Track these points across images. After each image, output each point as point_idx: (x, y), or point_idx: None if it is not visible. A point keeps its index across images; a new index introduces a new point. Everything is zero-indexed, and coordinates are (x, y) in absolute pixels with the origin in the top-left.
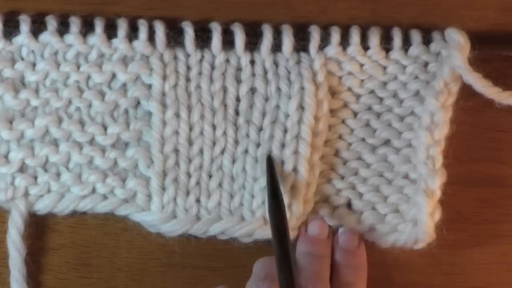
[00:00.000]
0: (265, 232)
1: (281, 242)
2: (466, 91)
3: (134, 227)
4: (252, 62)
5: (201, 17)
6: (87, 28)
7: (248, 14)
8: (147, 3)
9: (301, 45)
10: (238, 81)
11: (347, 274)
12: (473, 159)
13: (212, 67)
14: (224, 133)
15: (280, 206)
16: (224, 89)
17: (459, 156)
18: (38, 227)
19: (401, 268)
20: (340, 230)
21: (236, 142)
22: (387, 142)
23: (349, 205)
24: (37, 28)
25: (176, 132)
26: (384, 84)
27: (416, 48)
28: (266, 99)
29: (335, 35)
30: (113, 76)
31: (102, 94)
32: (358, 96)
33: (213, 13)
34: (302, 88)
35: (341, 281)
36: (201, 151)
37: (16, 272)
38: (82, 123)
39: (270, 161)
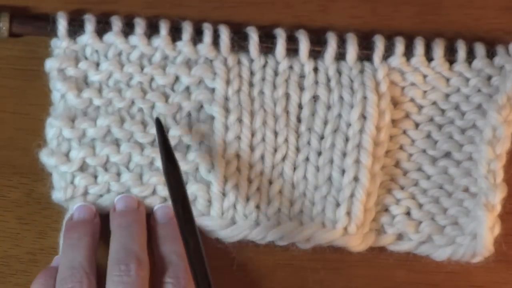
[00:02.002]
0: (323, 236)
1: (181, 205)
2: None
3: None
4: (316, 70)
5: (200, 16)
6: (151, 30)
7: (247, 13)
8: (147, 2)
9: (365, 54)
10: (301, 88)
11: (169, 243)
12: None
13: (276, 73)
14: (286, 140)
15: (176, 168)
16: (287, 96)
17: None
18: None
19: (402, 266)
20: (156, 207)
21: (298, 149)
22: (448, 154)
23: (408, 214)
24: (102, 28)
25: (238, 138)
26: (447, 96)
27: (480, 61)
28: (328, 107)
29: (399, 46)
30: (176, 78)
31: (165, 96)
32: (420, 107)
33: (212, 12)
34: (364, 98)
35: (165, 250)
36: (262, 158)
37: None
38: (144, 124)
39: (159, 123)
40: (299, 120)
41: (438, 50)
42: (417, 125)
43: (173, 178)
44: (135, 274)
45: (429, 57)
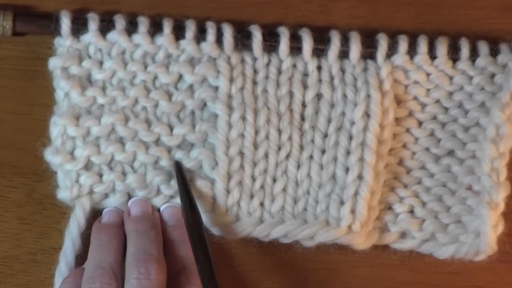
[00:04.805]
0: (327, 234)
1: (202, 253)
2: None
3: None
4: (319, 68)
5: (201, 16)
6: (155, 29)
7: (248, 13)
8: (148, 2)
9: (368, 52)
10: (305, 86)
11: (183, 247)
12: None
13: (279, 71)
14: (290, 138)
15: (197, 215)
16: (290, 94)
17: None
18: None
19: (403, 267)
20: (162, 207)
21: (301, 147)
22: (451, 153)
23: (411, 212)
24: (105, 26)
25: (242, 135)
26: (450, 94)
27: (483, 59)
28: (332, 106)
29: (403, 44)
30: (180, 77)
31: (169, 95)
32: (423, 106)
33: (213, 12)
34: (368, 96)
35: (179, 254)
36: (266, 155)
37: (64, 265)
38: (148, 122)
39: (179, 167)
40: (302, 118)
41: (442, 48)
42: (420, 123)
43: (194, 226)
44: (155, 278)
45: (432, 55)
